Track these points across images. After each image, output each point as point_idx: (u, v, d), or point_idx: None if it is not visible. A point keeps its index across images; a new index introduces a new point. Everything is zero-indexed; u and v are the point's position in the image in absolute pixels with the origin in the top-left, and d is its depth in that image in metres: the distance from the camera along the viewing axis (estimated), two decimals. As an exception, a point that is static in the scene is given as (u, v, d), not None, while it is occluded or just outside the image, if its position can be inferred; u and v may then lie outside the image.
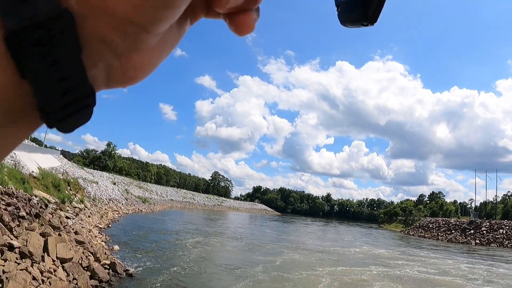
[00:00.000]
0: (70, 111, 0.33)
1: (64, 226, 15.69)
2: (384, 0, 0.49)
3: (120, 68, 0.37)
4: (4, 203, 13.01)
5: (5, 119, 0.32)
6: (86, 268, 12.48)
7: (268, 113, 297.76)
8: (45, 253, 11.18)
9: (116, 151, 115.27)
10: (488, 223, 61.71)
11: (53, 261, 11.32)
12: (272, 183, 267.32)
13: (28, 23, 0.29)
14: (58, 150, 74.67)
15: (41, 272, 10.23)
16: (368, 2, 0.49)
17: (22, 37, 0.29)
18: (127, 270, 14.16)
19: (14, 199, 14.46)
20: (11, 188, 16.05)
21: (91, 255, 13.92)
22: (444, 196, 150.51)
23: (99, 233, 22.08)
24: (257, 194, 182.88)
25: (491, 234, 57.41)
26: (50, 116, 0.33)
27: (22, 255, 10.27)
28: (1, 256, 9.49)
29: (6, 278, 8.86)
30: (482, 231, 59.32)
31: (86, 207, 29.57)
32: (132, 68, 0.38)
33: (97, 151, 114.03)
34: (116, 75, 0.37)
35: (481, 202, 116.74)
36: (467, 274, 23.14)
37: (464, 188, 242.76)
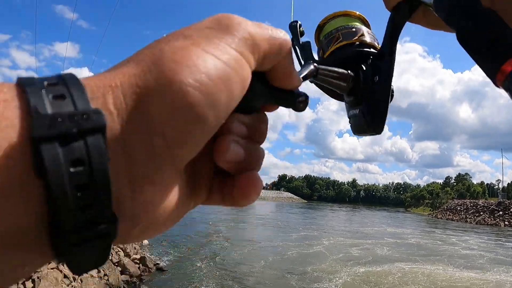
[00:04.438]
0: (87, 233, 0.26)
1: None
2: (386, 113, 0.55)
3: (130, 202, 0.30)
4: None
5: (3, 239, 0.24)
6: (116, 264, 12.37)
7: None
8: (75, 251, 11.09)
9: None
10: (516, 204, 59.63)
11: (83, 258, 11.22)
12: (296, 170, 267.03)
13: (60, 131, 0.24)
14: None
15: (72, 270, 10.13)
16: (373, 116, 0.55)
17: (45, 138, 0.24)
18: (157, 264, 14.02)
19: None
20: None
21: (120, 250, 13.82)
22: (471, 177, 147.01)
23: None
24: (283, 183, 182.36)
25: (520, 215, 55.57)
26: (62, 236, 0.25)
27: (52, 254, 10.18)
28: (31, 256, 9.38)
29: (38, 277, 8.76)
30: (511, 212, 57.55)
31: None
32: (142, 207, 0.30)
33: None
34: (122, 212, 0.29)
35: (508, 183, 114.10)
36: (472, 247, 23.54)
37: (491, 169, 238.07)
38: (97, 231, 0.27)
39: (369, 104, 0.56)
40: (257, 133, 0.40)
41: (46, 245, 0.26)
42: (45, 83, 0.26)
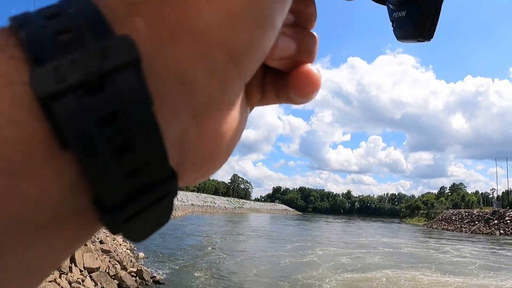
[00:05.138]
0: (141, 203, 0.21)
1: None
2: (439, 15, 0.46)
3: (197, 140, 0.25)
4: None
5: (37, 220, 0.19)
6: (113, 277, 12.58)
7: (282, 113, 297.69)
8: (73, 264, 11.33)
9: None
10: (511, 212, 60.07)
11: (81, 271, 11.46)
12: (291, 182, 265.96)
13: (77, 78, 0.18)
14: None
15: (70, 283, 10.34)
16: (423, 18, 0.47)
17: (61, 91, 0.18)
18: (154, 276, 14.19)
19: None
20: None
21: (117, 263, 14.04)
22: (465, 187, 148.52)
23: (123, 241, 22.27)
24: (277, 195, 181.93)
25: (515, 223, 55.98)
26: (110, 213, 0.20)
27: (51, 267, 10.45)
28: (31, 269, 9.65)
29: (37, 290, 9.06)
30: (506, 220, 57.70)
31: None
32: (210, 140, 0.26)
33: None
34: (189, 153, 0.25)
35: (503, 192, 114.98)
36: (464, 254, 23.92)
37: (485, 178, 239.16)
38: (152, 197, 0.22)
39: (419, 5, 0.47)
40: (304, 17, 0.34)
41: (95, 221, 0.21)
42: (44, 16, 0.20)
